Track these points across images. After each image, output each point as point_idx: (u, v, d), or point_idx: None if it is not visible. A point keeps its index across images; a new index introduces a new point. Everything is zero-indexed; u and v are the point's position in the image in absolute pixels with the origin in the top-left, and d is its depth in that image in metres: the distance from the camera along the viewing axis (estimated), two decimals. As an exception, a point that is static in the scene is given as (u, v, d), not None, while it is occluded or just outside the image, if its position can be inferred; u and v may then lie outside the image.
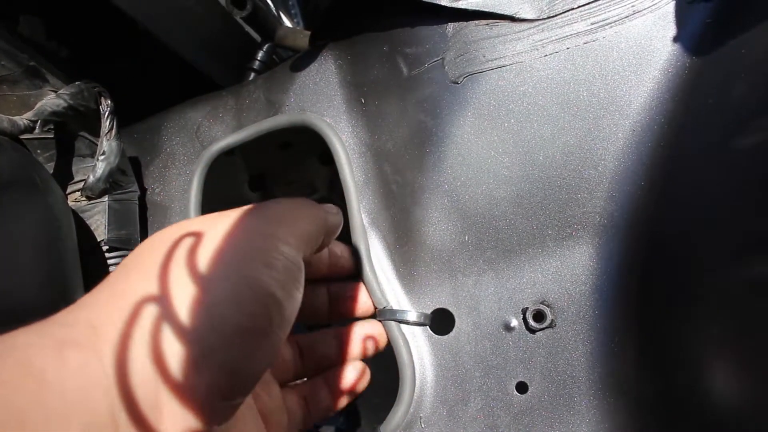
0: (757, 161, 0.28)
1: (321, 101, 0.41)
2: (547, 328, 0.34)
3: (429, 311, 0.36)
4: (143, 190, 0.47)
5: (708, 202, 0.30)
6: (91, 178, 0.40)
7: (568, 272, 0.34)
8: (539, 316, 0.34)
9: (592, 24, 0.33)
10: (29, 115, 0.38)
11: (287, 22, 0.65)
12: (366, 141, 0.39)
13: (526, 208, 0.34)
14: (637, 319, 0.32)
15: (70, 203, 0.42)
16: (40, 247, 0.34)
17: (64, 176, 0.43)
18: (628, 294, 0.32)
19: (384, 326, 0.37)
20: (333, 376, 0.36)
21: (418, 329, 0.37)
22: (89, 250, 0.41)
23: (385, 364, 0.38)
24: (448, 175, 0.36)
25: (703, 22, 0.31)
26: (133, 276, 0.23)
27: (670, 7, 0.32)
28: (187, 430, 0.21)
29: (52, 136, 0.42)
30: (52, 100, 0.39)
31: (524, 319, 0.34)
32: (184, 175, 0.46)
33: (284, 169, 0.50)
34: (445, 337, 0.36)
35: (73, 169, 0.44)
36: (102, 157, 0.40)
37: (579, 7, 0.33)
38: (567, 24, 0.33)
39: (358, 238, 0.38)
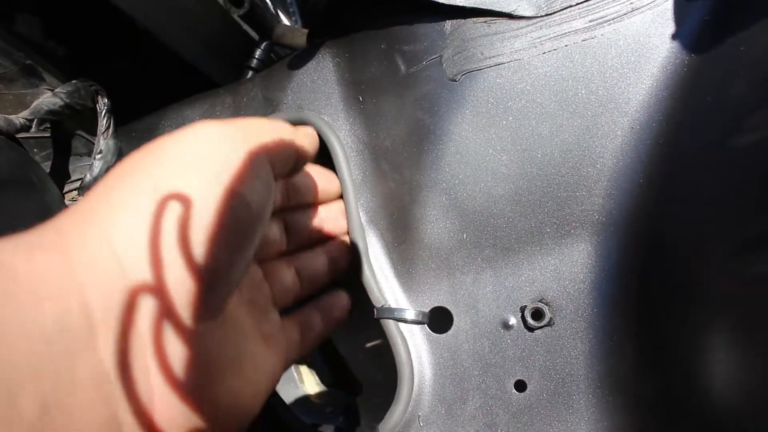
0: (756, 159, 0.28)
1: (319, 99, 0.40)
2: (545, 326, 0.34)
3: (427, 310, 0.36)
4: (141, 188, 0.46)
5: (707, 200, 0.30)
6: (88, 177, 0.40)
7: (566, 270, 0.34)
8: (538, 315, 0.34)
9: (590, 21, 0.33)
10: (26, 113, 0.38)
11: (285, 21, 0.65)
12: (364, 139, 0.39)
13: (524, 206, 0.34)
14: (636, 317, 0.32)
15: (67, 202, 0.42)
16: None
17: (61, 175, 0.43)
18: (627, 292, 0.32)
19: (382, 325, 0.37)
20: (323, 303, 0.37)
21: (417, 328, 0.37)
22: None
23: (383, 363, 0.37)
24: (446, 173, 0.36)
25: (701, 19, 0.31)
26: (105, 203, 0.23)
27: (669, 5, 0.31)
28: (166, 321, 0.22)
29: (48, 134, 0.42)
30: (49, 98, 0.39)
31: (523, 318, 0.34)
32: (181, 174, 0.45)
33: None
34: (444, 335, 0.36)
35: (70, 168, 0.43)
36: (99, 155, 0.40)
37: (577, 4, 0.33)
38: (565, 21, 0.33)
39: (356, 236, 0.38)
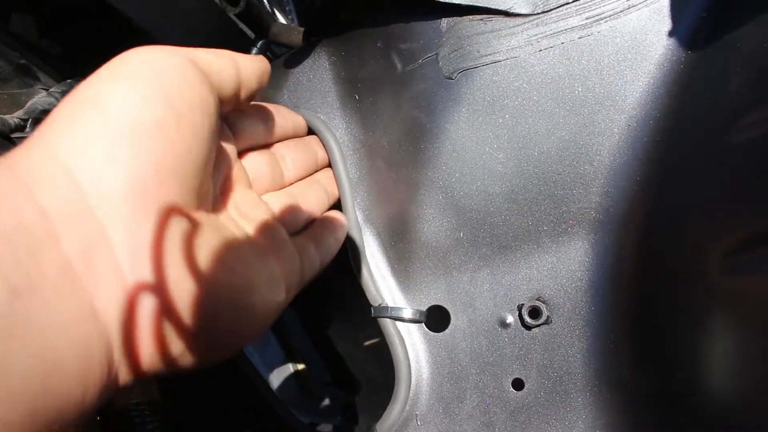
0: (754, 156, 0.28)
1: (315, 98, 0.40)
2: (542, 324, 0.34)
3: (424, 308, 0.36)
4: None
5: (704, 197, 0.30)
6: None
7: (563, 268, 0.34)
8: (535, 313, 0.34)
9: (586, 19, 0.33)
10: (20, 113, 0.38)
11: (281, 19, 0.64)
12: (360, 137, 0.39)
13: (521, 203, 0.34)
14: (634, 315, 0.32)
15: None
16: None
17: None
18: (624, 290, 0.32)
19: (380, 324, 0.37)
20: (315, 231, 0.37)
21: (414, 326, 0.36)
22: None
23: (381, 362, 0.37)
24: (442, 171, 0.36)
25: (698, 16, 0.31)
26: (46, 122, 0.24)
27: (665, 2, 0.31)
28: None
29: (43, 134, 0.42)
30: (44, 98, 0.39)
31: (520, 316, 0.34)
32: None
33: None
34: (441, 334, 0.36)
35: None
36: (94, 155, 0.40)
37: (574, 1, 0.32)
38: (561, 19, 0.33)
39: (353, 234, 0.38)
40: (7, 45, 0.39)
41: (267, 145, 0.37)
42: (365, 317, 0.38)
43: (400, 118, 0.37)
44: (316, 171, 0.40)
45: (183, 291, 0.23)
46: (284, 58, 0.43)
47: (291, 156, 0.37)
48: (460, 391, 0.35)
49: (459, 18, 0.35)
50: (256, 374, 0.47)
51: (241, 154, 0.34)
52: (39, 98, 0.39)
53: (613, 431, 0.32)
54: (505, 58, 0.34)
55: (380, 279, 0.37)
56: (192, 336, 0.24)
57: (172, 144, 0.24)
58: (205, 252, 0.25)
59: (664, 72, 0.32)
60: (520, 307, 0.34)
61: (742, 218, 0.28)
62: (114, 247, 0.22)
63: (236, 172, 0.33)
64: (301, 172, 0.38)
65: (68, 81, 0.40)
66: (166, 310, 0.23)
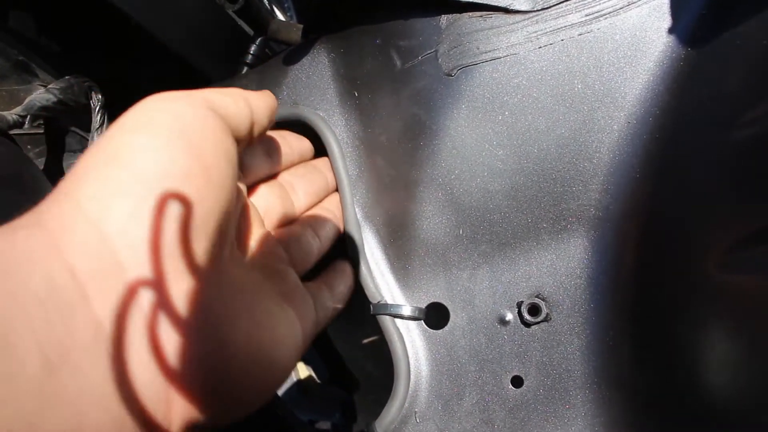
0: (754, 153, 0.28)
1: (314, 95, 0.40)
2: (542, 321, 0.34)
3: (423, 305, 0.36)
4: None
5: (704, 195, 0.30)
6: (82, 174, 0.40)
7: (563, 265, 0.34)
8: (534, 310, 0.34)
9: (586, 15, 0.32)
10: (18, 110, 0.38)
11: (280, 16, 0.64)
12: (359, 134, 0.38)
13: (520, 201, 0.34)
14: (633, 313, 0.32)
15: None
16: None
17: (55, 172, 0.43)
18: (624, 287, 0.32)
19: (378, 321, 0.37)
20: (328, 277, 0.37)
21: (413, 324, 0.36)
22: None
23: (380, 359, 0.37)
24: (442, 168, 0.35)
25: (698, 13, 0.31)
26: (73, 176, 0.23)
27: (665, -2, 0.31)
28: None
29: (42, 131, 0.42)
30: (42, 94, 0.39)
31: (519, 313, 0.34)
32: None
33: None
34: (440, 331, 0.36)
35: (64, 164, 0.43)
36: (93, 152, 0.40)
37: (573, -2, 0.32)
38: (561, 15, 0.33)
39: (352, 232, 0.38)
40: (6, 42, 0.39)
41: (275, 176, 0.36)
42: (364, 314, 0.38)
43: (399, 115, 0.37)
44: (327, 196, 0.40)
45: (213, 350, 0.23)
46: (283, 55, 0.43)
47: (301, 184, 0.37)
48: (459, 389, 0.35)
49: (458, 15, 0.34)
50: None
51: (250, 189, 0.34)
52: (37, 95, 0.39)
53: (612, 429, 0.32)
54: (504, 54, 0.34)
55: (379, 276, 0.37)
56: (224, 391, 0.24)
57: (201, 198, 0.24)
58: (235, 310, 0.25)
59: (664, 69, 0.32)
60: (519, 305, 0.34)
61: (742, 215, 0.28)
62: (144, 306, 0.22)
63: (248, 213, 0.32)
64: (312, 199, 0.38)
65: (66, 78, 0.39)
66: (195, 370, 0.23)
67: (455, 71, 0.35)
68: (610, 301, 0.32)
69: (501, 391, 0.34)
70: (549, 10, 0.33)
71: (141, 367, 0.21)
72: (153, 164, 0.23)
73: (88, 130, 0.41)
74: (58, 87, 0.39)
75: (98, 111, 0.41)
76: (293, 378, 0.65)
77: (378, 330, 0.37)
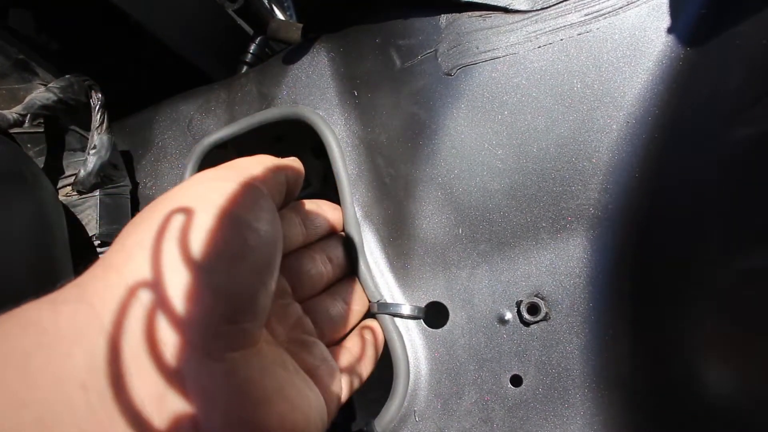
0: (751, 153, 0.28)
1: (313, 94, 0.40)
2: (541, 321, 0.34)
3: (423, 304, 0.36)
4: (135, 184, 0.46)
5: (702, 194, 0.30)
6: (82, 173, 0.40)
7: (562, 265, 0.34)
8: (533, 309, 0.34)
9: (585, 15, 0.33)
10: (18, 108, 0.38)
11: (280, 15, 0.64)
12: (359, 134, 0.38)
13: (520, 200, 0.34)
14: (632, 312, 0.32)
15: (61, 198, 0.42)
16: (30, 242, 0.34)
17: (55, 171, 0.43)
18: (623, 286, 0.32)
19: (378, 320, 0.37)
20: (357, 338, 0.36)
21: (412, 323, 0.36)
22: (81, 245, 0.41)
23: (380, 358, 0.37)
24: (441, 167, 0.35)
25: (697, 12, 0.31)
26: (121, 251, 0.23)
27: (664, -2, 0.31)
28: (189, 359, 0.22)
29: (42, 130, 0.42)
30: (42, 93, 0.39)
31: (518, 312, 0.34)
32: (176, 169, 0.45)
33: (277, 163, 0.50)
34: (440, 330, 0.36)
35: (64, 163, 0.43)
36: (93, 151, 0.40)
37: (573, -3, 0.33)
38: (560, 15, 0.33)
39: (351, 231, 0.38)
40: (6, 40, 0.38)
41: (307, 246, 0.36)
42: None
43: (398, 114, 0.37)
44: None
45: (247, 424, 0.23)
46: (283, 54, 0.43)
47: (334, 255, 0.37)
48: (458, 388, 0.35)
49: (458, 14, 0.35)
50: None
51: (284, 257, 0.34)
52: (37, 93, 0.39)
53: (611, 428, 0.32)
54: (504, 54, 0.34)
55: (379, 275, 0.37)
56: None
57: (244, 273, 0.24)
58: (272, 392, 0.25)
59: (663, 69, 0.32)
60: (518, 304, 0.34)
61: (741, 214, 0.28)
62: (187, 389, 0.22)
63: (279, 284, 0.32)
64: (342, 270, 0.37)
65: (66, 77, 0.39)
66: None
67: (455, 70, 0.35)
68: (609, 301, 0.33)
69: (500, 390, 0.34)
70: (548, 9, 0.33)
71: None
72: (202, 243, 0.23)
73: (88, 128, 0.41)
74: (58, 86, 0.39)
75: (98, 110, 0.41)
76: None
77: (377, 329, 0.37)
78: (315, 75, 0.40)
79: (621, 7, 0.32)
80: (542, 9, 0.33)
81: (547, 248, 0.34)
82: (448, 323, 0.36)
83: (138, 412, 0.20)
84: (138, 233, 0.23)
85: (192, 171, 0.43)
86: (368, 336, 0.36)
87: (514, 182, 0.34)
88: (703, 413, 0.29)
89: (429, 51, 0.35)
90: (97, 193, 0.42)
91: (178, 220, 0.23)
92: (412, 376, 0.36)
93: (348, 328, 0.36)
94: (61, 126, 0.42)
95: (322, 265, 0.36)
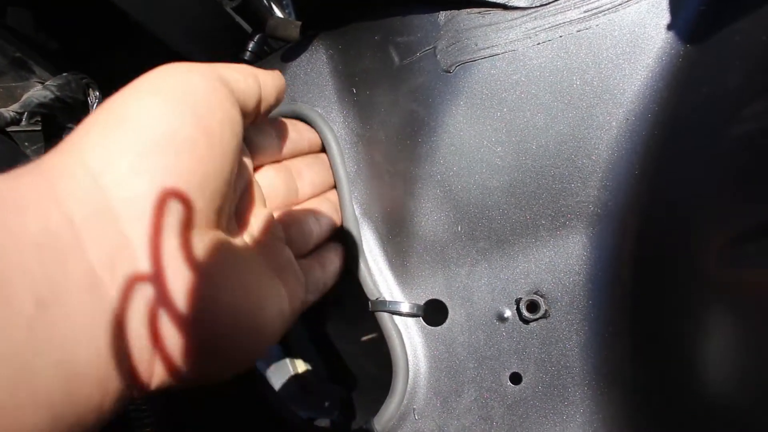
0: (752, 150, 0.28)
1: (312, 91, 0.40)
2: (540, 318, 0.34)
3: (422, 302, 0.36)
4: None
5: (703, 191, 0.30)
6: (80, 171, 0.40)
7: (561, 262, 0.34)
8: (533, 307, 0.34)
9: (585, 12, 0.32)
10: (15, 106, 0.38)
11: (278, 13, 0.64)
12: (357, 131, 0.38)
13: (519, 197, 0.34)
14: (632, 309, 0.32)
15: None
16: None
17: (53, 169, 0.42)
18: (623, 284, 0.32)
19: (377, 318, 0.37)
20: (321, 256, 0.37)
21: (411, 321, 0.36)
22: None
23: (379, 356, 0.37)
24: (440, 165, 0.35)
25: (696, 9, 0.31)
26: (78, 131, 0.24)
27: (664, -6, 0.31)
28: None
29: (39, 128, 0.41)
30: (39, 91, 0.39)
31: (518, 310, 0.34)
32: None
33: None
34: (439, 328, 0.36)
35: (62, 161, 0.43)
36: (91, 149, 0.40)
37: (572, -6, 0.32)
38: (560, 12, 0.33)
39: (350, 228, 0.37)
40: (3, 38, 0.38)
41: (282, 160, 0.37)
42: (363, 311, 0.38)
43: (397, 111, 0.36)
44: (330, 189, 0.40)
45: (197, 306, 0.24)
46: (281, 52, 0.43)
47: (308, 173, 0.38)
48: (457, 385, 0.35)
49: (457, 11, 0.34)
50: (253, 370, 0.47)
51: (256, 168, 0.35)
52: (35, 91, 0.39)
53: (611, 425, 0.32)
54: (503, 51, 0.34)
55: (377, 273, 0.37)
56: (206, 350, 0.25)
57: (202, 161, 0.25)
58: (223, 271, 0.26)
59: (663, 65, 0.31)
60: (518, 301, 0.34)
61: (741, 211, 0.28)
62: (136, 256, 0.22)
63: (251, 189, 0.33)
64: (316, 189, 0.38)
65: (64, 74, 0.39)
66: (179, 322, 0.23)
67: (454, 68, 0.35)
68: (609, 298, 0.32)
69: (499, 388, 0.34)
70: (547, 6, 0.33)
71: (131, 315, 0.22)
72: (157, 125, 0.24)
73: (85, 127, 0.41)
74: (55, 84, 0.39)
75: (96, 108, 0.40)
76: (290, 371, 0.65)
77: (376, 327, 0.37)
78: (313, 72, 0.40)
79: (620, 4, 0.32)
80: (541, 6, 0.33)
81: (546, 245, 0.34)
82: (447, 321, 0.36)
83: (90, 272, 0.21)
84: (97, 115, 0.24)
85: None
86: (330, 254, 0.38)
87: (513, 179, 0.34)
88: (703, 411, 0.29)
89: (428, 48, 0.35)
90: (94, 191, 0.42)
91: (134, 105, 0.24)
92: (411, 374, 0.36)
93: (317, 244, 0.37)
94: (58, 124, 0.42)
95: (298, 180, 0.37)
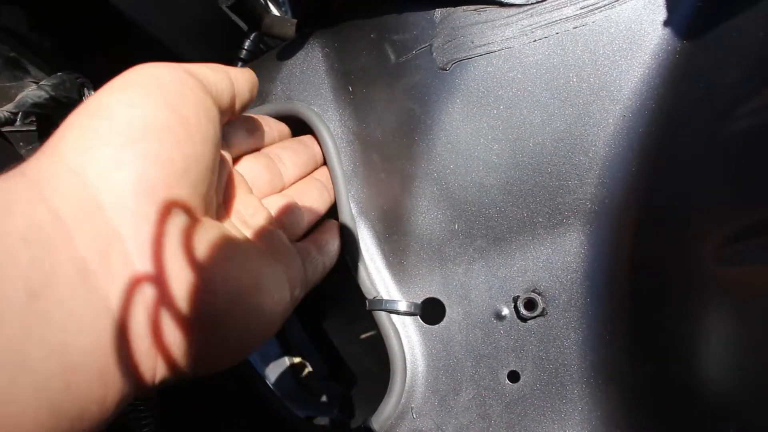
0: (749, 146, 0.28)
1: (308, 90, 0.40)
2: (538, 316, 0.33)
3: (419, 301, 0.36)
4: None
5: (700, 188, 0.30)
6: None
7: (559, 260, 0.34)
8: (530, 305, 0.34)
9: (581, 8, 0.32)
10: (10, 106, 0.38)
11: (274, 11, 0.64)
12: (354, 129, 0.38)
13: (516, 195, 0.34)
14: (630, 307, 0.32)
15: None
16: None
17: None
18: (620, 281, 0.32)
19: (374, 317, 0.37)
20: (316, 237, 0.37)
21: (409, 319, 0.36)
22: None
23: (377, 354, 0.37)
24: (437, 163, 0.35)
25: (693, 5, 0.31)
26: (59, 132, 0.24)
27: (660, -9, 0.31)
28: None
29: (34, 128, 0.41)
30: (34, 91, 0.39)
31: (515, 308, 0.34)
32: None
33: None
34: (436, 326, 0.36)
35: (57, 161, 0.43)
36: (86, 149, 0.40)
37: (568, -9, 0.32)
38: (556, 9, 0.33)
39: (347, 227, 0.37)
40: (-3, 38, 0.38)
41: (260, 149, 0.37)
42: (360, 310, 0.38)
43: (394, 109, 0.36)
44: (315, 169, 0.40)
45: (193, 289, 0.24)
46: (277, 50, 0.43)
47: (287, 155, 0.38)
48: (455, 384, 0.35)
49: (453, 8, 0.34)
50: (251, 368, 0.47)
51: (235, 160, 0.35)
52: (29, 91, 0.39)
53: (609, 423, 0.32)
54: (499, 48, 0.34)
55: (375, 272, 0.37)
56: (205, 335, 0.25)
57: (181, 147, 0.25)
58: (215, 252, 0.26)
59: (660, 62, 0.31)
60: (515, 299, 0.34)
61: (739, 208, 0.28)
62: (127, 246, 0.22)
63: (235, 178, 0.33)
64: (300, 170, 0.38)
65: (58, 74, 0.39)
66: (177, 308, 0.23)
67: (450, 65, 0.35)
68: (607, 295, 0.32)
69: (497, 386, 0.34)
70: (544, 3, 0.33)
71: (129, 306, 0.22)
72: (132, 116, 0.24)
73: (81, 126, 0.41)
74: (50, 83, 0.39)
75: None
76: (288, 369, 0.65)
77: (374, 325, 0.37)
78: (309, 71, 0.40)
79: (617, 0, 0.32)
80: (537, 2, 0.33)
81: (543, 243, 0.34)
82: (444, 319, 0.36)
83: (81, 263, 0.21)
84: (72, 116, 0.24)
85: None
86: (325, 235, 0.38)
87: (510, 177, 0.34)
88: (701, 409, 0.29)
89: (424, 46, 0.35)
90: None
91: (107, 101, 0.24)
92: (408, 372, 0.36)
93: (308, 227, 0.37)
94: (53, 124, 0.42)
95: (281, 165, 0.37)
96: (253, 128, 0.36)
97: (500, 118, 0.34)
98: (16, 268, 0.19)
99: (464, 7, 0.34)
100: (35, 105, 0.38)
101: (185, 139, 0.25)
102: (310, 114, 0.39)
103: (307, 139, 0.40)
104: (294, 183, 0.38)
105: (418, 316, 0.36)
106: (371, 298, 0.36)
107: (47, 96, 0.39)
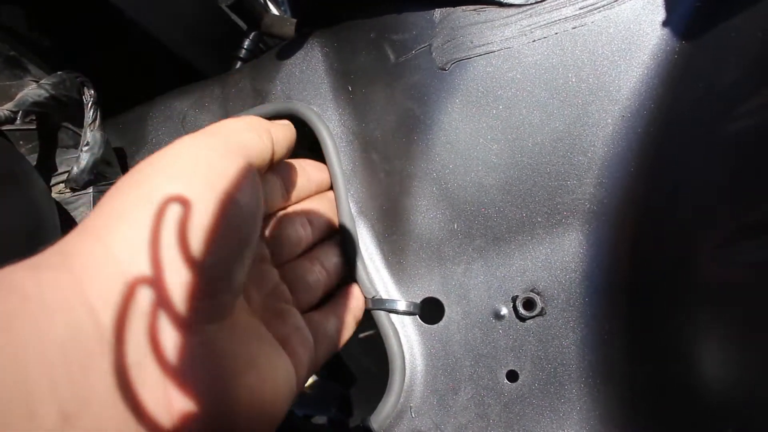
0: (748, 146, 0.28)
1: (307, 89, 0.40)
2: (537, 316, 0.34)
3: (418, 300, 0.36)
4: (129, 181, 0.46)
5: (698, 188, 0.30)
6: (75, 170, 0.40)
7: (557, 260, 0.34)
8: (529, 304, 0.34)
9: (580, 9, 0.32)
10: (10, 105, 0.38)
11: (274, 10, 0.64)
12: (353, 129, 0.38)
13: (515, 195, 0.34)
14: (628, 306, 0.32)
15: (54, 195, 0.42)
16: (23, 241, 0.33)
17: (48, 168, 0.42)
18: (618, 281, 0.32)
19: (374, 316, 0.37)
20: (337, 305, 0.37)
21: (408, 319, 0.36)
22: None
23: (376, 354, 0.37)
24: (436, 162, 0.35)
25: (692, 5, 0.31)
26: (104, 218, 0.24)
27: (659, -9, 0.31)
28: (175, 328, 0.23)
29: (34, 127, 0.41)
30: (34, 90, 0.39)
31: (514, 308, 0.34)
32: (170, 166, 0.45)
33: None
34: (435, 326, 0.36)
35: (57, 160, 0.43)
36: (86, 148, 0.40)
37: (567, -9, 0.32)
38: (555, 9, 0.33)
39: (346, 227, 0.37)
40: (-4, 37, 0.38)
41: (287, 207, 0.36)
42: (360, 308, 0.37)
43: (393, 109, 0.36)
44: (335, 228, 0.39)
45: (218, 405, 0.24)
46: (276, 49, 0.43)
47: (315, 218, 0.37)
48: (454, 383, 0.35)
49: (452, 8, 0.34)
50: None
51: (264, 220, 0.34)
52: (29, 90, 0.39)
53: (608, 422, 0.32)
54: (498, 48, 0.34)
55: (374, 271, 0.37)
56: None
57: (228, 251, 0.24)
58: (241, 365, 0.25)
59: (659, 62, 0.31)
60: (514, 299, 0.34)
61: (737, 208, 0.28)
62: (164, 361, 0.22)
63: (262, 251, 0.33)
64: (323, 232, 0.38)
65: (58, 73, 0.39)
66: (203, 422, 0.23)
67: (449, 65, 0.35)
68: (605, 295, 0.32)
69: (496, 386, 0.34)
70: (543, 3, 0.33)
71: (156, 418, 0.21)
72: (182, 213, 0.23)
73: (80, 125, 0.41)
74: (50, 82, 0.39)
75: (91, 106, 0.40)
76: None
77: (373, 325, 0.37)
78: (309, 70, 0.40)
79: (616, 1, 0.32)
80: (537, 2, 0.33)
81: (542, 243, 0.34)
82: (443, 319, 0.36)
83: (123, 376, 0.21)
84: (121, 201, 0.24)
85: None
86: (346, 302, 0.36)
87: (509, 177, 0.34)
88: (700, 408, 0.29)
89: (423, 45, 0.35)
90: (90, 190, 0.42)
91: (160, 194, 0.24)
92: (407, 372, 0.36)
93: (325, 292, 0.37)
94: (53, 123, 0.42)
95: (302, 228, 0.36)
96: (289, 183, 0.36)
97: (499, 118, 0.34)
98: (51, 388, 0.18)
99: (464, 7, 0.34)
100: (35, 104, 0.38)
101: (232, 240, 0.25)
102: (310, 113, 0.39)
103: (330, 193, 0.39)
104: (313, 242, 0.37)
105: (417, 316, 0.36)
106: (370, 297, 0.36)
107: (47, 95, 0.39)
